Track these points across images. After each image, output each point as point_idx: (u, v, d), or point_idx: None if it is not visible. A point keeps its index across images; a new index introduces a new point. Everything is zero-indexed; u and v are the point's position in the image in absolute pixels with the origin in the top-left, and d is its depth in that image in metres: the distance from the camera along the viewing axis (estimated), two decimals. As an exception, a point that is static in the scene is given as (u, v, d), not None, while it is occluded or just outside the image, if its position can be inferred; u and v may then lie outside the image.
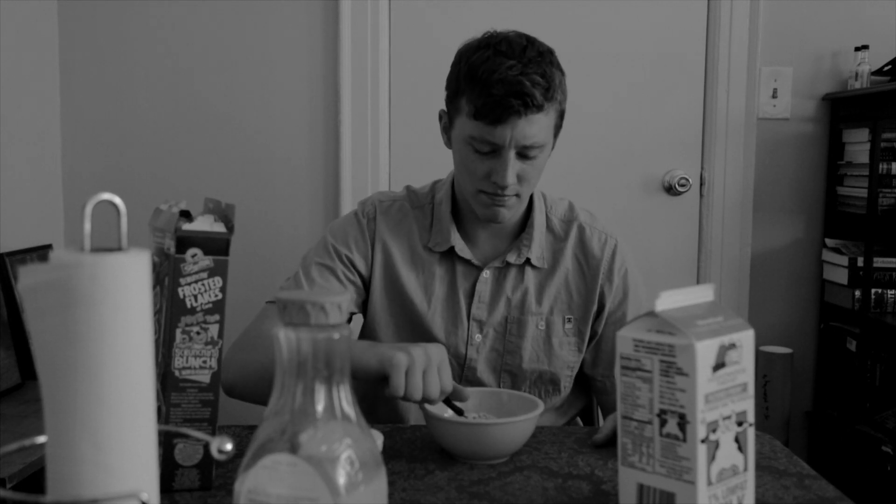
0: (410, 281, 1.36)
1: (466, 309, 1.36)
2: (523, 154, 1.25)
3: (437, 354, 1.08)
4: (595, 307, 1.38)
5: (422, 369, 1.06)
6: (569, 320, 1.38)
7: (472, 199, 1.32)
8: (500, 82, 1.20)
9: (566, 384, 1.39)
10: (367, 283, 1.38)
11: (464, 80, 1.24)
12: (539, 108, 1.22)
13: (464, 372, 1.36)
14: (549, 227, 1.40)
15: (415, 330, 1.36)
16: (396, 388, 1.04)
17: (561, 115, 1.29)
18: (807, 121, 2.52)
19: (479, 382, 1.35)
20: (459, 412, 1.13)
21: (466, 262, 1.37)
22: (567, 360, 1.38)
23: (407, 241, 1.38)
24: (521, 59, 1.21)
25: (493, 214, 1.30)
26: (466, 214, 1.37)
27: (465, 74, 1.24)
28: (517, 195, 1.29)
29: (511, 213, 1.31)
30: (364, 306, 1.40)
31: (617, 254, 1.39)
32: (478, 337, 1.35)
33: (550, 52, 1.27)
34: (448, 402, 1.13)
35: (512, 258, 1.36)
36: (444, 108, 1.32)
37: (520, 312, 1.36)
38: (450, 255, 1.37)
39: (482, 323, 1.36)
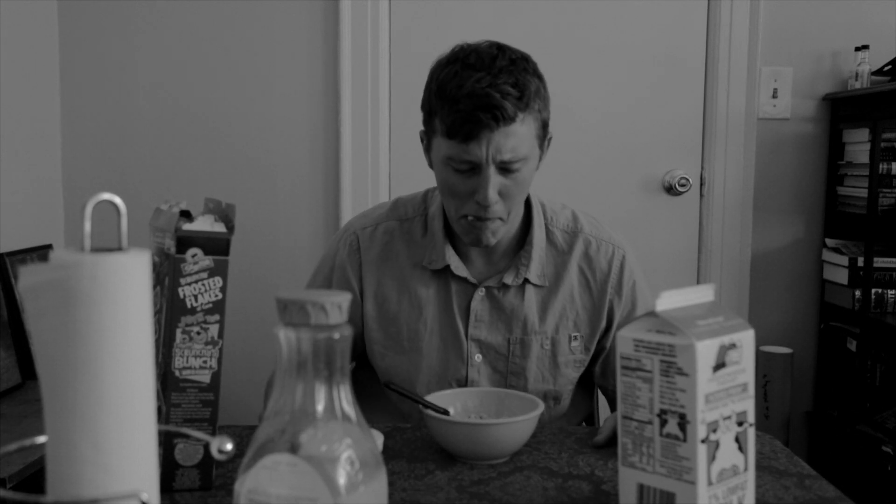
0: (403, 307, 1.32)
1: (464, 328, 1.32)
2: (505, 168, 1.20)
3: None
4: (603, 323, 1.34)
5: None
6: (575, 338, 1.34)
7: (455, 225, 1.28)
8: (468, 97, 1.15)
9: (567, 397, 1.37)
10: (361, 316, 1.34)
11: (434, 98, 1.21)
12: (512, 119, 1.16)
13: None
14: (551, 240, 1.35)
15: (411, 357, 1.32)
16: None
17: (543, 124, 1.23)
18: (807, 121, 2.52)
19: None
20: None
21: (462, 279, 1.32)
22: (571, 377, 1.35)
23: (396, 265, 1.34)
24: (490, 69, 1.16)
25: (477, 239, 1.26)
26: None
27: (435, 93, 1.21)
28: (501, 218, 1.24)
29: (497, 236, 1.26)
30: (360, 331, 1.36)
31: (626, 266, 1.35)
32: (478, 357, 1.31)
33: (525, 58, 1.21)
34: None
35: (509, 279, 1.31)
36: (423, 128, 1.28)
37: (522, 332, 1.32)
38: (444, 271, 1.32)
39: (481, 342, 1.32)
